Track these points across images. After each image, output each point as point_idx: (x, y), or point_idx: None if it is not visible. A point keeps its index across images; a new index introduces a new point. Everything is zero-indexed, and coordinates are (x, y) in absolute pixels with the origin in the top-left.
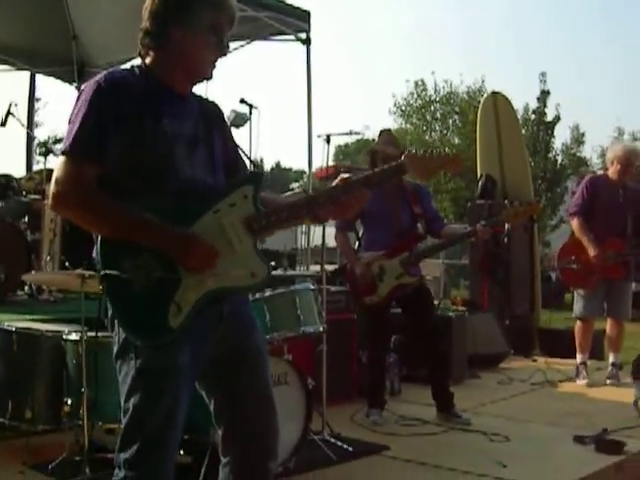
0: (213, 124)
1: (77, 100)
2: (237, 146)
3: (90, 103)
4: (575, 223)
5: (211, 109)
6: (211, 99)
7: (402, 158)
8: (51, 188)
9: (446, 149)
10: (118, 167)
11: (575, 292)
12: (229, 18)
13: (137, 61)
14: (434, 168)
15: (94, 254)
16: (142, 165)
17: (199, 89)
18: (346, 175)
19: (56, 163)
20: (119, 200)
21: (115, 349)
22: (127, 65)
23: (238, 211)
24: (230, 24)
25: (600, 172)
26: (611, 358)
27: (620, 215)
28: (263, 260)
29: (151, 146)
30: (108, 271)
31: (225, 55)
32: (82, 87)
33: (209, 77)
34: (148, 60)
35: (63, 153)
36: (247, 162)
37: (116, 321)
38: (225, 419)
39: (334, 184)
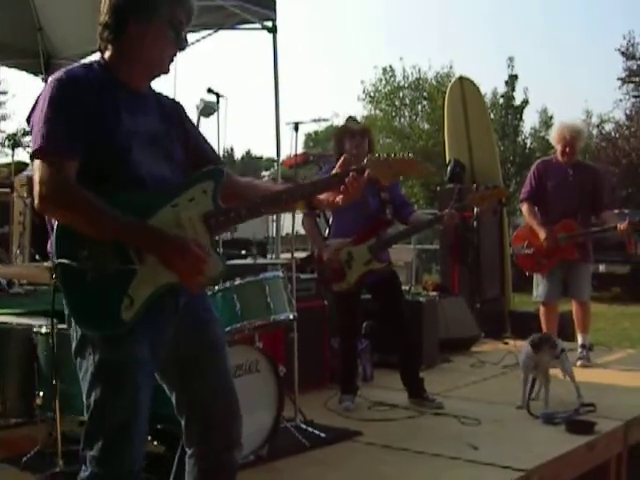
0: (172, 120)
1: (39, 99)
2: (204, 140)
3: (54, 100)
4: (524, 209)
5: (170, 106)
6: (172, 96)
7: (364, 162)
8: (35, 189)
9: (408, 154)
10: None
11: (535, 276)
12: (188, 13)
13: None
14: (395, 171)
15: (49, 246)
16: (100, 160)
17: (168, 80)
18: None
19: (34, 165)
20: None
21: (73, 345)
22: (91, 58)
23: (197, 206)
24: (188, 19)
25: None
26: (580, 339)
27: (571, 196)
28: (219, 255)
29: (110, 141)
30: (63, 260)
31: (183, 50)
32: (44, 85)
33: (166, 72)
34: (107, 54)
35: (37, 154)
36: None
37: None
38: (186, 410)
39: (299, 183)
